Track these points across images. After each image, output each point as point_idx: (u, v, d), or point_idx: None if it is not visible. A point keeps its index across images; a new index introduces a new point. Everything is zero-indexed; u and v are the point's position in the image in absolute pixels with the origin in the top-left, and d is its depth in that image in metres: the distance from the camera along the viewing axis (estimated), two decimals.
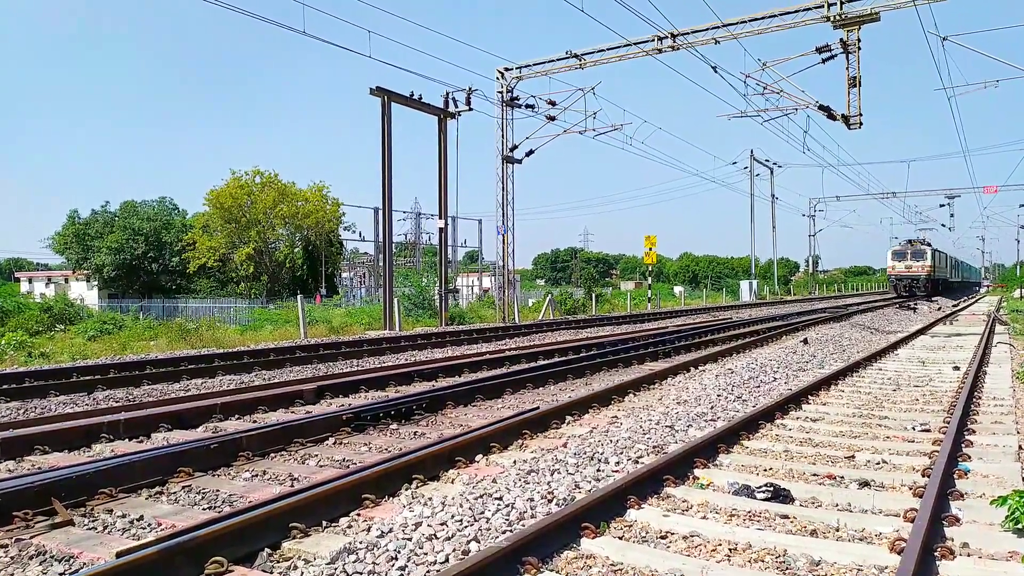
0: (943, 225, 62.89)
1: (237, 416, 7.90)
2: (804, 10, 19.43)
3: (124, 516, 4.59)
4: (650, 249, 36.48)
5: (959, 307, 36.14)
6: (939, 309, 34.37)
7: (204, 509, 4.79)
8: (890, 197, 55.32)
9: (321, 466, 5.93)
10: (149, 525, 4.47)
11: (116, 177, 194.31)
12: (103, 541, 4.20)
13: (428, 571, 3.66)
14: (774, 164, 58.25)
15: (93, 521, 4.56)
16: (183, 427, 7.32)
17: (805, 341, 15.96)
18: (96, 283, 52.38)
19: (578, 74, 24.39)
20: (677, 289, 63.30)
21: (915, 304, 37.67)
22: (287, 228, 46.29)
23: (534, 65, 24.57)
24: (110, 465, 5.20)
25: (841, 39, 18.90)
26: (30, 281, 74.12)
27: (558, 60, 23.84)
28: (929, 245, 49.16)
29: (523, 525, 4.23)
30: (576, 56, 23.22)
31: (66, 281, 63.07)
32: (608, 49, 22.70)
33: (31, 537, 4.26)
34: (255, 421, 7.68)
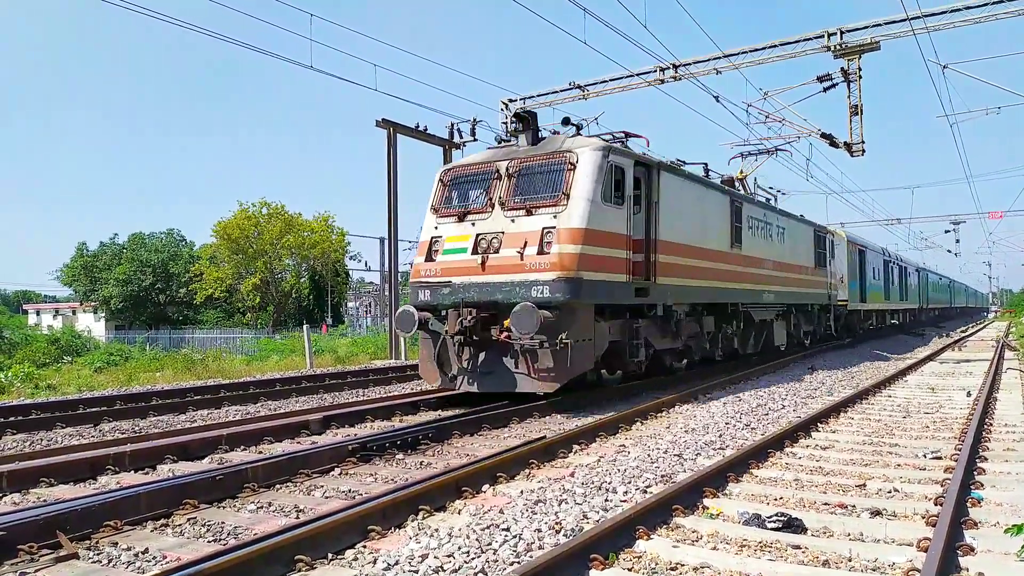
0: (949, 251, 61.84)
1: (243, 447, 7.87)
2: (804, 40, 19.62)
3: (129, 549, 4.56)
4: None
5: (967, 333, 35.66)
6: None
7: (209, 541, 4.76)
8: (895, 223, 55.16)
9: (327, 497, 5.89)
10: (154, 558, 4.43)
11: (125, 210, 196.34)
12: (108, 575, 4.17)
13: None
14: (778, 191, 58.12)
15: (98, 554, 4.52)
16: (189, 458, 7.29)
17: (812, 368, 15.87)
18: (103, 315, 52.69)
19: (582, 104, 24.59)
20: None
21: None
22: (293, 258, 46.65)
23: (538, 96, 24.81)
24: (115, 497, 5.18)
25: (842, 68, 19.05)
26: (38, 313, 74.53)
27: (562, 91, 24.08)
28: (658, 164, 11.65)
29: (531, 556, 4.18)
30: (579, 87, 23.47)
31: (73, 313, 63.41)
32: (611, 80, 22.94)
33: (35, 571, 4.23)
34: (261, 452, 7.65)
